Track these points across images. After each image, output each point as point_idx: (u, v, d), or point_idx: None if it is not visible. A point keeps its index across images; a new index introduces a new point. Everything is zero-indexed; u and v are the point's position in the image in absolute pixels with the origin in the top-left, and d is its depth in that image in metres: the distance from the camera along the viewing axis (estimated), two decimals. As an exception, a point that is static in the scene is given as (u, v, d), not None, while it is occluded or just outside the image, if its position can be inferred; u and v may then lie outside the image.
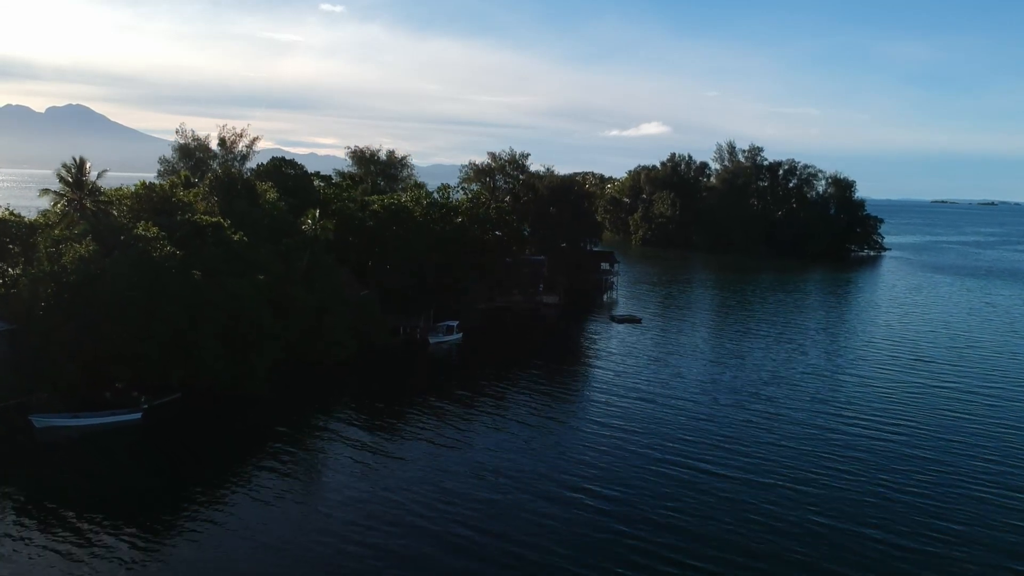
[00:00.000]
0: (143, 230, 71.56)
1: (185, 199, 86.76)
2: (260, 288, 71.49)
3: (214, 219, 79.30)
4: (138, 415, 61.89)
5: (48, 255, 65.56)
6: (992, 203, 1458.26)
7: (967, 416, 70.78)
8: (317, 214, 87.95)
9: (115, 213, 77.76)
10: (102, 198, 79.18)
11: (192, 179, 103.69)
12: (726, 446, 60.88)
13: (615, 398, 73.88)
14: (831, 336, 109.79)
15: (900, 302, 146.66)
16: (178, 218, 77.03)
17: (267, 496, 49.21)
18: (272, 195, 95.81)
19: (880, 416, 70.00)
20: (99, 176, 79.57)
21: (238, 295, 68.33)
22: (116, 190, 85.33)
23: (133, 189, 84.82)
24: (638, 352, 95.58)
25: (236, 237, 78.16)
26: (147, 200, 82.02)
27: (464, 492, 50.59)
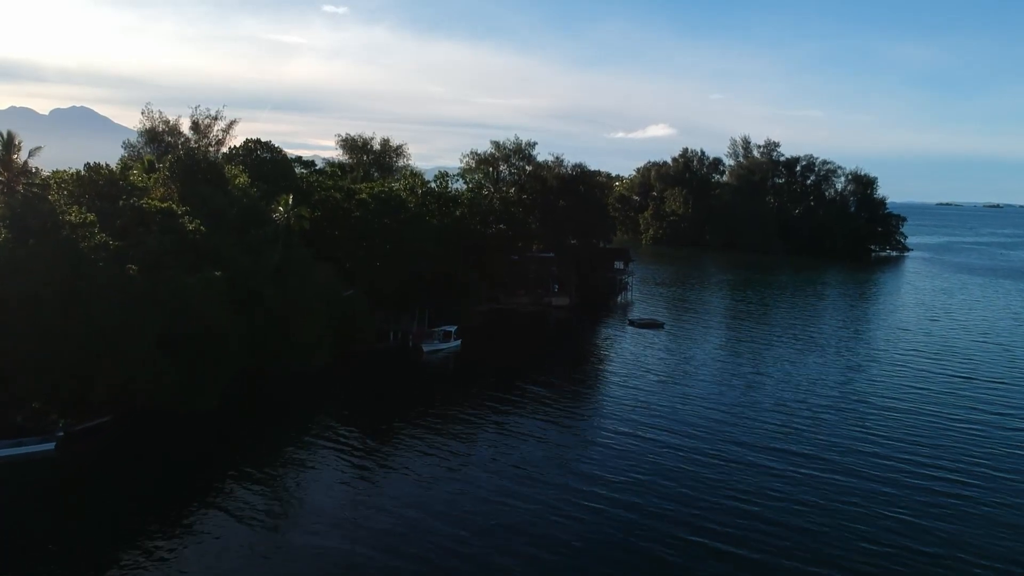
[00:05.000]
0: (75, 216, 59.52)
1: (140, 183, 74.70)
2: (213, 284, 58.94)
3: (164, 205, 66.96)
4: (51, 445, 49.46)
5: (-52, 247, 53.21)
6: (997, 206, 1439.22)
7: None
8: (291, 200, 75.41)
9: (54, 198, 65.59)
10: (37, 180, 67.09)
11: (156, 165, 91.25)
12: (776, 496, 48.17)
13: (636, 426, 60.52)
14: (879, 349, 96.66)
15: (945, 307, 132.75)
16: (120, 203, 64.66)
17: (211, 545, 37.49)
18: (243, 180, 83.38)
19: (962, 460, 57.27)
20: (31, 155, 67.42)
21: (183, 292, 55.85)
22: (57, 172, 73.24)
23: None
24: (662, 364, 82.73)
25: (191, 226, 65.82)
26: (91, 184, 69.69)
27: (450, 533, 39.95)
